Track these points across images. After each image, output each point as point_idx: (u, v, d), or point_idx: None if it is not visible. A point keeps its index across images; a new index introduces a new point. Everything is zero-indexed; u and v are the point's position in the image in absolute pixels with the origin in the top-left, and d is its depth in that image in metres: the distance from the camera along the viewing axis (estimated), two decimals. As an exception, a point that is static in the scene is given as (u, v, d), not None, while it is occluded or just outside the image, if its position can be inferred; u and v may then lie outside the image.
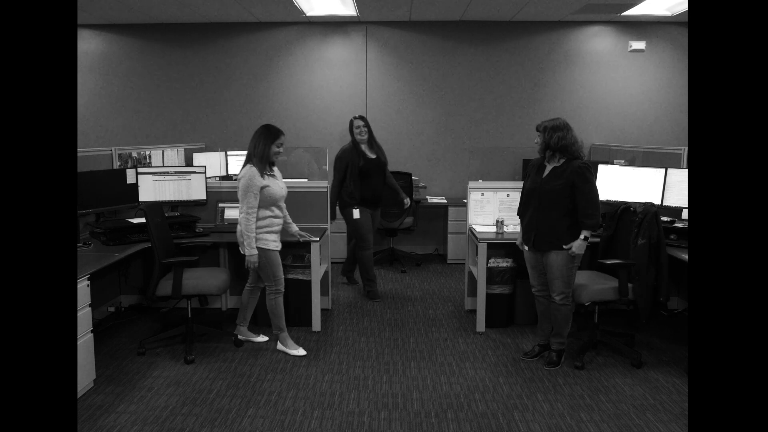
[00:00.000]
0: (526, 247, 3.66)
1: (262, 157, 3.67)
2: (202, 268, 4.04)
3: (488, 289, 4.24)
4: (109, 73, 6.95)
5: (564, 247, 3.45)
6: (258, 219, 3.66)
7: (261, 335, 4.06)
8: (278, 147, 3.72)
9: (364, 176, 4.83)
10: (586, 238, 3.44)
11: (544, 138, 3.48)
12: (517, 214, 3.79)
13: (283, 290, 3.85)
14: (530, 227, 3.58)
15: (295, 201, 4.37)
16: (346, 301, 5.01)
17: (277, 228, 3.77)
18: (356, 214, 4.83)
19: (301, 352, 3.83)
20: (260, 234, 3.67)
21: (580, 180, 3.41)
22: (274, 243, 3.74)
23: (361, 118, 4.94)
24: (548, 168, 3.53)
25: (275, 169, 3.84)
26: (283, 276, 3.83)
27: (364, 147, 4.88)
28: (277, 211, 3.75)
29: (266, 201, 3.66)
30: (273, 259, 3.74)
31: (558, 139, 3.44)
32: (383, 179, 5.01)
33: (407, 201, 5.30)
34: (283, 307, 3.87)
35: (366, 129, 4.87)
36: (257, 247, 3.67)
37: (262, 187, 3.63)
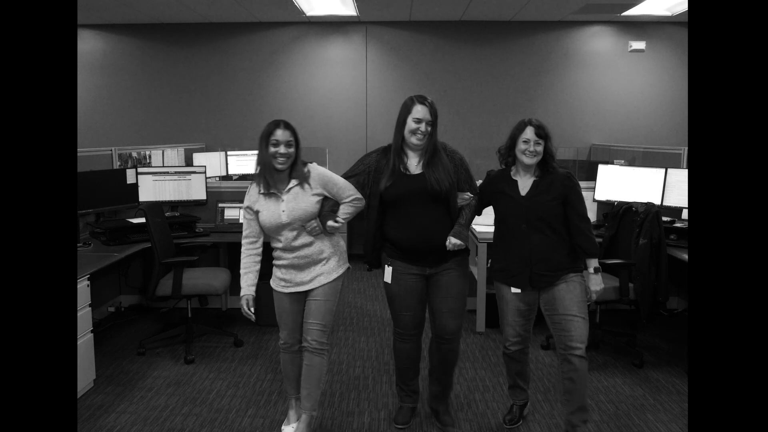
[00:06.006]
0: (515, 290, 2.72)
1: (264, 166, 2.65)
2: (202, 268, 4.04)
3: (488, 289, 4.24)
4: (109, 73, 6.95)
5: (591, 294, 2.71)
6: (272, 248, 2.74)
7: (291, 425, 2.89)
8: (274, 146, 2.59)
9: (389, 205, 2.70)
10: (597, 270, 2.70)
11: (548, 144, 2.67)
12: (493, 248, 2.89)
13: (288, 344, 2.80)
14: (522, 262, 2.68)
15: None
16: (345, 301, 5.01)
17: (286, 261, 2.69)
18: (387, 274, 2.77)
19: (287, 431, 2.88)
20: (273, 267, 2.79)
21: (574, 194, 2.67)
22: (279, 283, 2.74)
23: (427, 102, 2.71)
24: (524, 181, 2.72)
25: (306, 181, 2.67)
26: (291, 328, 2.77)
27: (410, 156, 2.73)
28: (286, 241, 2.66)
29: (264, 230, 2.71)
30: (276, 301, 2.78)
31: (552, 146, 2.71)
32: (437, 215, 2.69)
33: (448, 242, 2.66)
34: (289, 368, 2.85)
35: (429, 129, 2.68)
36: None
37: (255, 211, 2.68)
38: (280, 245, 2.69)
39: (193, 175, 4.59)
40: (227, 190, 4.74)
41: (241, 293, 2.70)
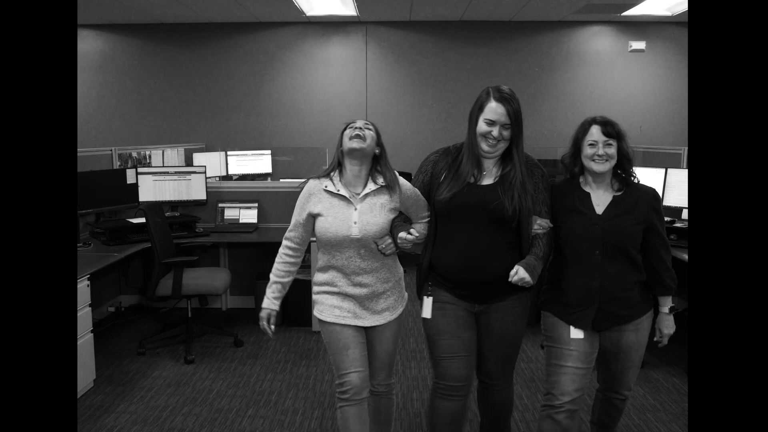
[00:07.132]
0: (579, 333, 2.21)
1: (336, 160, 2.23)
2: (202, 268, 4.05)
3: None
4: (109, 73, 6.95)
5: (659, 337, 2.34)
6: (319, 268, 2.27)
7: None
8: (351, 128, 2.17)
9: (445, 218, 2.19)
10: (672, 310, 2.29)
11: (621, 145, 2.16)
12: (551, 273, 2.30)
13: (357, 390, 2.17)
14: (588, 296, 2.16)
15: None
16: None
17: (339, 290, 2.20)
18: (426, 308, 2.24)
19: None
20: (318, 294, 2.26)
21: (660, 219, 2.19)
22: (334, 311, 2.20)
23: (505, 97, 2.17)
24: (598, 196, 2.20)
25: (392, 189, 2.22)
26: (362, 363, 2.20)
27: (482, 162, 2.16)
28: (349, 261, 2.17)
29: (320, 240, 2.21)
30: (331, 337, 2.21)
31: (627, 147, 2.19)
32: (499, 241, 2.13)
33: (514, 273, 2.03)
34: (357, 427, 2.19)
35: (506, 135, 2.13)
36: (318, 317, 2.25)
37: (312, 214, 2.19)
38: (339, 264, 2.18)
39: (193, 175, 4.59)
40: (227, 190, 4.74)
41: (263, 304, 2.24)
